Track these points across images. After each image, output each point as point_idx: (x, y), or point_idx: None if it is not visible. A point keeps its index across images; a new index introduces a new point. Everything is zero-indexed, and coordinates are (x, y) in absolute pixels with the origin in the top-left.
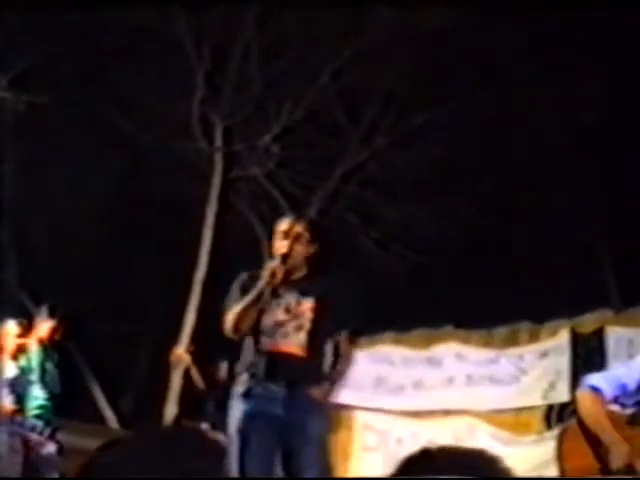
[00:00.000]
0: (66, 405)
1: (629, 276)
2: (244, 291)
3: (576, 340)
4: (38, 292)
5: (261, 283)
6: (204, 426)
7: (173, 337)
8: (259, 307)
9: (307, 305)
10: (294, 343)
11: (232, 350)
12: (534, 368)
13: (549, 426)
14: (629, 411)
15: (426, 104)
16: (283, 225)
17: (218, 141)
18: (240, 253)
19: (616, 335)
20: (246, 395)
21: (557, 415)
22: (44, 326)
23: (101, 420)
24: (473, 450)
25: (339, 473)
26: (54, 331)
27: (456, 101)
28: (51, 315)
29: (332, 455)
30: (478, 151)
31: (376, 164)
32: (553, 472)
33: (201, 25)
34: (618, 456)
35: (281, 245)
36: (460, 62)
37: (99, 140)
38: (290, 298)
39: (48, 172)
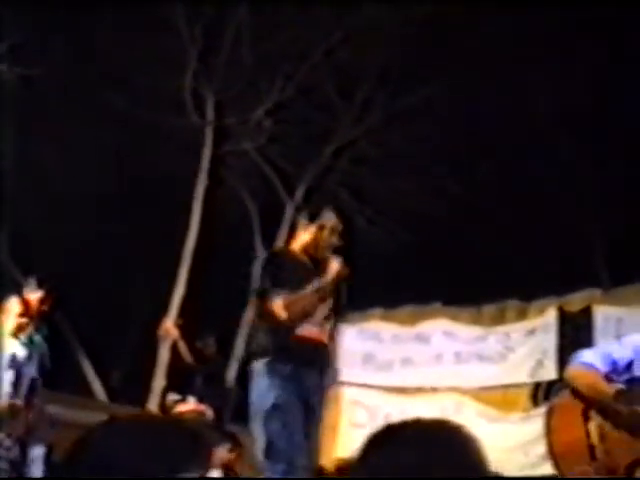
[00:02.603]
0: (55, 377)
1: (618, 255)
2: (280, 273)
3: (564, 318)
4: (27, 265)
5: (328, 279)
6: (191, 400)
7: (162, 310)
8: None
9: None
10: (325, 332)
11: (220, 325)
12: (522, 346)
13: (536, 404)
14: (616, 387)
15: (419, 83)
16: (331, 220)
17: (210, 115)
18: (230, 227)
19: (604, 314)
20: (285, 379)
21: (544, 393)
22: (32, 297)
23: (89, 393)
24: (436, 421)
25: (327, 449)
26: (42, 302)
27: (449, 80)
28: (39, 286)
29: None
30: (470, 130)
31: (368, 141)
32: (540, 449)
33: (194, 4)
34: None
35: (332, 240)
36: (454, 42)
37: (91, 113)
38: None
39: (39, 146)
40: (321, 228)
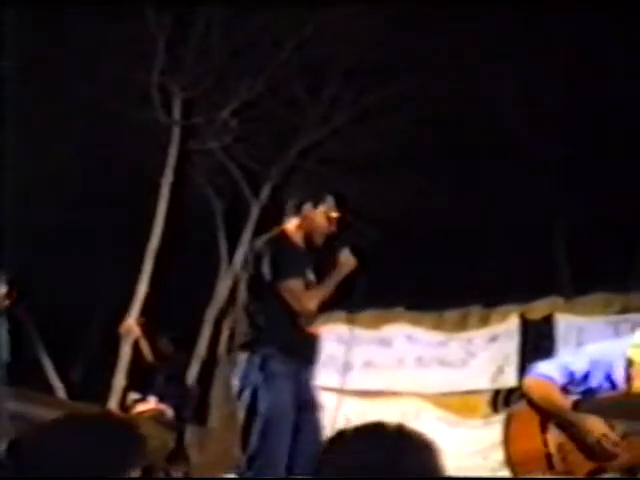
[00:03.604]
0: (15, 372)
1: (581, 264)
2: (290, 259)
3: (526, 326)
4: None
5: (342, 272)
6: (152, 399)
7: (124, 308)
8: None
9: None
10: (318, 324)
11: (178, 323)
12: (483, 352)
13: (495, 410)
14: (572, 398)
15: (386, 80)
16: (332, 206)
17: (176, 113)
18: (194, 225)
19: (566, 322)
20: (288, 376)
21: (504, 399)
22: None
23: (49, 389)
24: (394, 425)
25: None
26: (5, 297)
27: (416, 77)
28: (6, 282)
29: None
30: (437, 129)
31: (334, 140)
32: (499, 455)
33: None
34: (596, 427)
35: (332, 227)
36: (424, 38)
37: (58, 105)
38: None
39: (5, 137)
40: (322, 214)
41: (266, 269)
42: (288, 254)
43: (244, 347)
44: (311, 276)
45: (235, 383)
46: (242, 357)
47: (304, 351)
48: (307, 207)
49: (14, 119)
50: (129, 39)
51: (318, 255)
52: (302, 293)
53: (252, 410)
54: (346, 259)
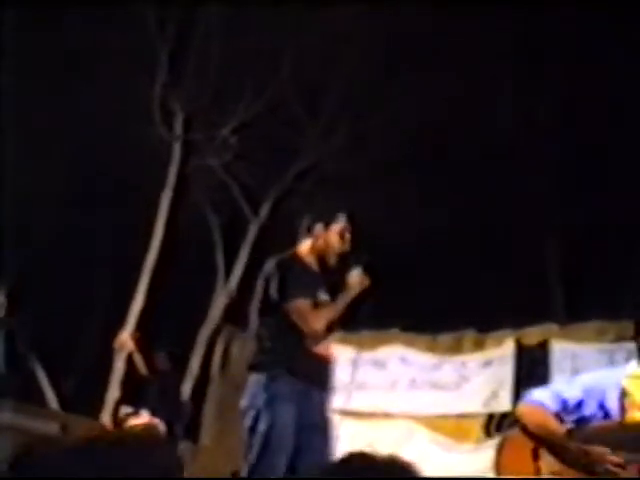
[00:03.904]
0: (7, 383)
1: (576, 291)
2: (300, 280)
3: (520, 351)
4: None
5: (352, 292)
6: (144, 413)
7: (120, 321)
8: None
9: None
10: (331, 346)
11: (172, 339)
12: (477, 376)
13: (488, 434)
14: (566, 427)
15: (383, 104)
16: (344, 224)
17: (178, 129)
18: (192, 243)
19: (561, 348)
20: (292, 399)
21: (497, 424)
22: None
23: (42, 401)
24: (384, 456)
25: None
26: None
27: (414, 100)
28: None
29: None
30: (434, 151)
31: (333, 162)
32: None
33: (165, 13)
34: (596, 449)
35: (345, 245)
36: (424, 60)
37: (57, 117)
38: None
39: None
40: (335, 233)
41: (274, 290)
42: (297, 275)
43: (252, 368)
44: (324, 297)
45: (242, 404)
46: (251, 379)
47: (312, 372)
48: (319, 227)
49: (14, 131)
50: (130, 52)
51: (332, 275)
52: (309, 313)
53: (253, 431)
54: (356, 279)
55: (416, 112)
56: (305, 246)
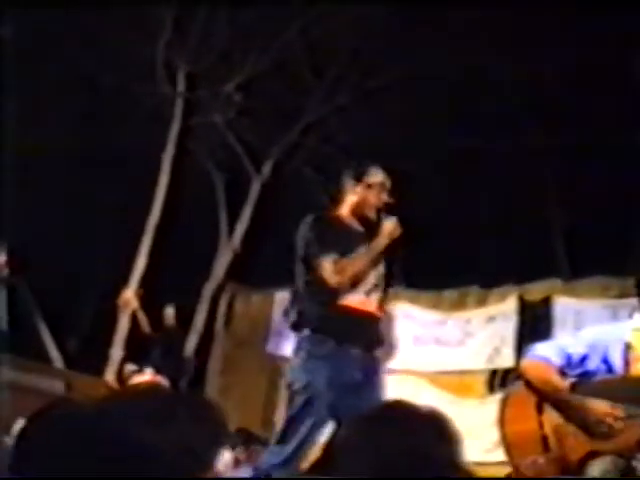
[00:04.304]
0: (12, 341)
1: (579, 247)
2: (327, 236)
3: (523, 307)
4: None
5: (381, 241)
6: (148, 371)
7: (123, 280)
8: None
9: (383, 262)
10: (373, 302)
11: (180, 297)
12: (480, 332)
13: (492, 390)
14: (569, 381)
15: (391, 65)
16: (378, 177)
17: (180, 86)
18: (195, 199)
19: (563, 305)
20: (325, 357)
21: (500, 380)
22: None
23: (47, 359)
24: (422, 407)
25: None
26: (4, 265)
27: (421, 63)
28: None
29: None
30: (439, 113)
31: (338, 120)
32: (494, 436)
33: None
34: (597, 406)
35: (382, 198)
36: (428, 26)
37: (60, 77)
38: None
39: (3, 107)
40: (369, 187)
41: (300, 249)
42: (322, 233)
43: (292, 328)
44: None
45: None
46: (292, 338)
47: (345, 329)
48: (350, 184)
49: (13, 89)
50: (135, 12)
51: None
52: (330, 267)
53: (290, 388)
54: (387, 227)
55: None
56: (346, 202)
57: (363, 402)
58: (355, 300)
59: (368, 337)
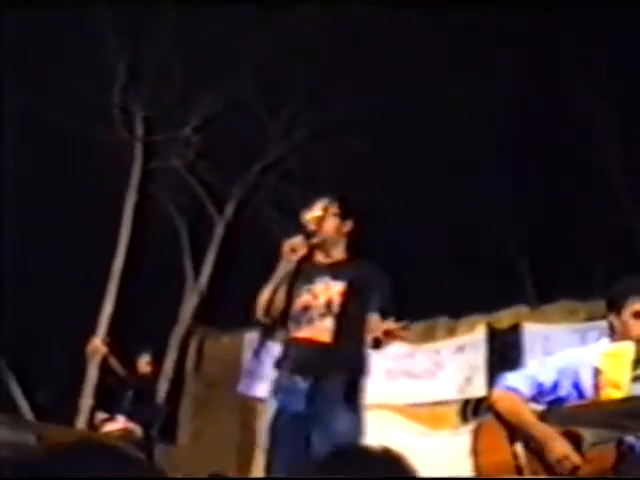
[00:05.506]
0: None
1: (544, 273)
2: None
3: (492, 335)
4: None
5: (282, 265)
6: (120, 418)
7: (90, 328)
8: (288, 290)
9: (336, 289)
10: (319, 329)
11: (154, 342)
12: (451, 363)
13: (465, 420)
14: (541, 408)
15: (346, 99)
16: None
17: (139, 131)
18: (159, 244)
19: (532, 331)
20: (275, 391)
21: (473, 409)
22: None
23: (15, 410)
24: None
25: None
26: None
27: (377, 96)
28: None
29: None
30: (397, 145)
31: (296, 157)
32: (468, 466)
33: (123, 16)
34: (557, 448)
35: (310, 224)
36: (380, 58)
37: (18, 124)
38: (320, 282)
39: None
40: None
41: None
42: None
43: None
44: (320, 284)
45: None
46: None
47: (290, 362)
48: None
49: None
50: (88, 57)
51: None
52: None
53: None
54: (285, 247)
55: (378, 106)
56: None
57: (315, 432)
58: (303, 331)
59: (317, 366)
